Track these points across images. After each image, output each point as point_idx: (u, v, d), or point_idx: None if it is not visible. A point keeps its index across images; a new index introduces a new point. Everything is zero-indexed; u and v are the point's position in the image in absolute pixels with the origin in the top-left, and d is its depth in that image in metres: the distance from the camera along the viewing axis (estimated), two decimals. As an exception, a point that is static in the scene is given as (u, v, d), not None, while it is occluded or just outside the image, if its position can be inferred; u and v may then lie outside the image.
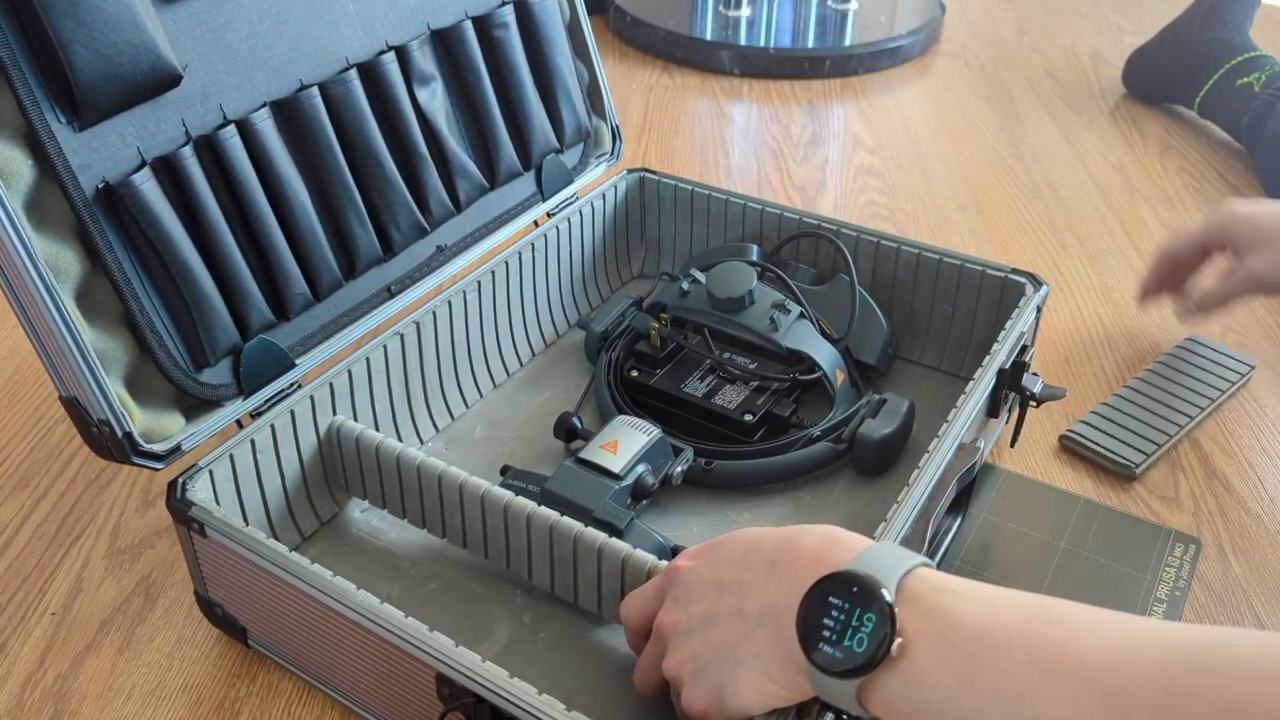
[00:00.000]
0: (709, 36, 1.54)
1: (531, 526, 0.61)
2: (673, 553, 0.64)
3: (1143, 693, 0.38)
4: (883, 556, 0.45)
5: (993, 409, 0.73)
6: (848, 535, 0.48)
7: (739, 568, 0.50)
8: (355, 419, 0.72)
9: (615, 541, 0.59)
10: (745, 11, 1.62)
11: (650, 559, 0.58)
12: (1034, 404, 0.75)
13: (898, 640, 0.43)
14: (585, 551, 0.60)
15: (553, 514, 0.61)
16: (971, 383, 0.69)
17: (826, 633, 0.44)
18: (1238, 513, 0.76)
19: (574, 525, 0.60)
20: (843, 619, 0.43)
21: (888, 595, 0.43)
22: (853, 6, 1.65)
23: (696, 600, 0.51)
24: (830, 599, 0.44)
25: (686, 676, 0.50)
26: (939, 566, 0.69)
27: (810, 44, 1.54)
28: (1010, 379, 0.73)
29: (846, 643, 0.43)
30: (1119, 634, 0.40)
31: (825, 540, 0.48)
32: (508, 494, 0.62)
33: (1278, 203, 0.83)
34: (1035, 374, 0.75)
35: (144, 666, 0.65)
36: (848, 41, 1.55)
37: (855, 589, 0.44)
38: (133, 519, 0.75)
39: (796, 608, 0.45)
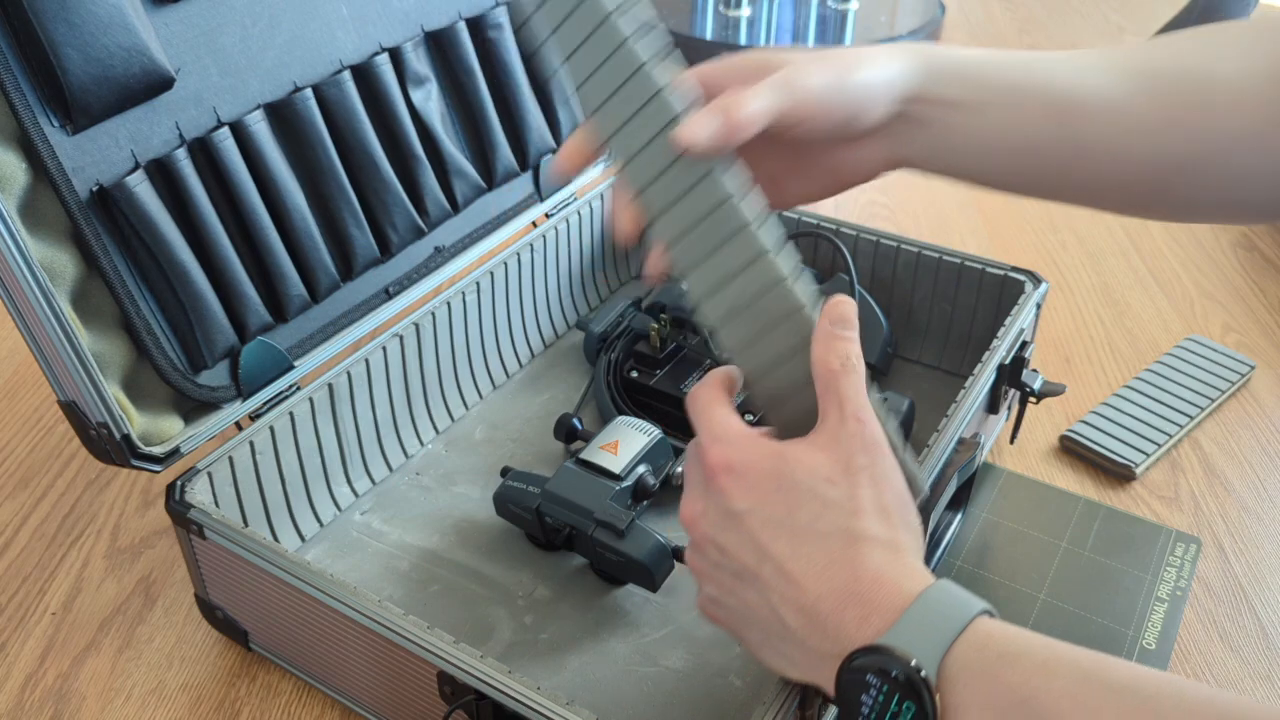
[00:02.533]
0: (709, 36, 1.54)
1: None
2: (674, 554, 0.64)
3: None
4: (931, 616, 0.41)
5: (993, 405, 0.73)
6: (908, 574, 0.44)
7: (787, 556, 0.45)
8: (355, 420, 0.72)
9: None
10: (745, 12, 1.62)
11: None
12: (1034, 400, 0.75)
13: None
14: None
15: None
16: (971, 378, 0.69)
17: (864, 709, 0.41)
18: (1238, 512, 0.76)
19: None
20: (881, 700, 0.41)
21: (929, 683, 0.40)
22: (853, 6, 1.65)
23: (730, 544, 0.47)
24: (869, 678, 0.41)
25: (706, 592, 0.49)
26: (939, 565, 0.69)
27: (810, 44, 1.54)
28: (1010, 375, 0.73)
29: None
30: (1182, 708, 0.37)
31: (877, 584, 0.43)
32: None
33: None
34: (1035, 370, 0.75)
35: (144, 666, 0.65)
36: (848, 41, 1.55)
37: (894, 673, 0.40)
38: (132, 519, 0.75)
39: (835, 659, 0.42)
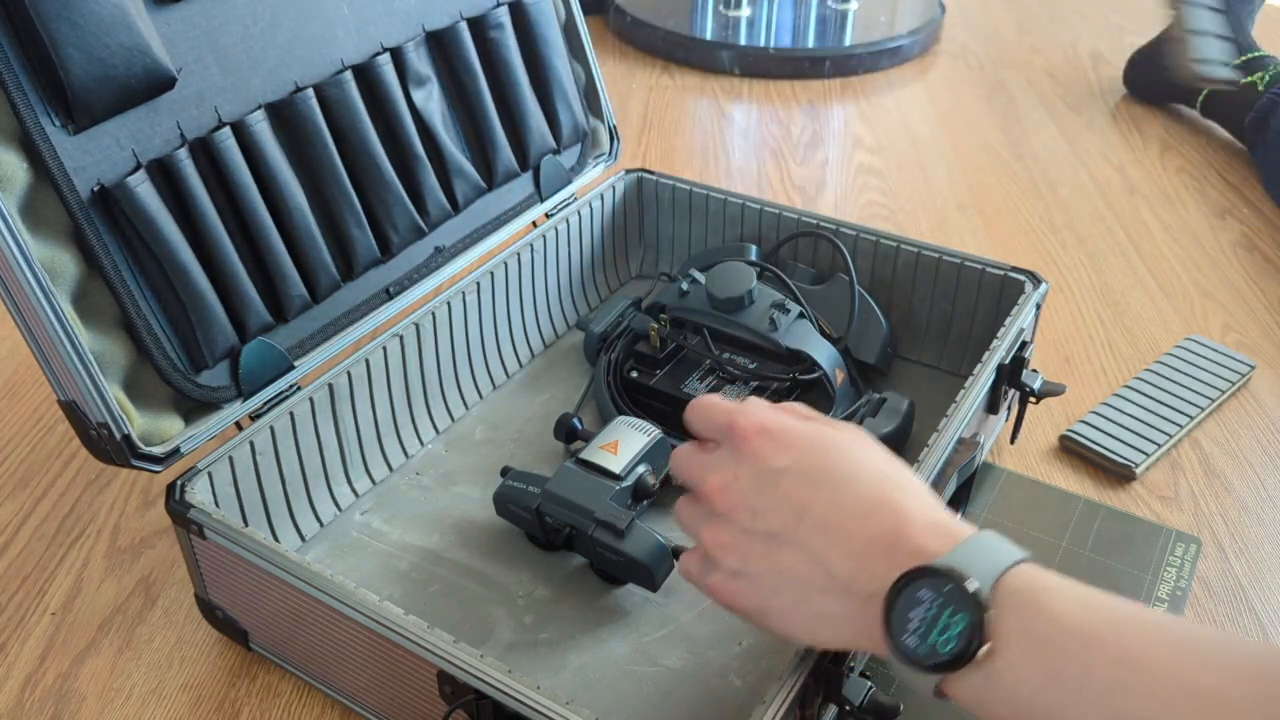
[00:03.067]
0: (709, 36, 1.54)
1: None
2: (674, 554, 0.64)
3: (1243, 701, 0.36)
4: (984, 549, 0.43)
5: (992, 404, 0.73)
6: (949, 521, 0.45)
7: (830, 506, 0.46)
8: (355, 420, 0.72)
9: None
10: (745, 11, 1.62)
11: None
12: (1034, 400, 0.75)
13: (986, 645, 0.41)
14: None
15: None
16: (971, 378, 0.69)
17: (913, 624, 0.42)
18: (1238, 512, 0.76)
19: None
20: (932, 614, 0.42)
21: (981, 596, 0.41)
22: (853, 6, 1.65)
23: (766, 506, 0.47)
24: (921, 593, 0.42)
25: (726, 567, 0.49)
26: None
27: (810, 44, 1.54)
28: (1010, 375, 0.73)
29: (933, 639, 0.42)
30: (1219, 646, 0.38)
31: (931, 528, 0.45)
32: None
33: None
34: (1035, 370, 0.75)
35: (144, 666, 0.65)
36: (848, 41, 1.55)
37: (949, 587, 0.42)
38: (132, 519, 0.75)
39: (884, 595, 0.43)
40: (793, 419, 0.50)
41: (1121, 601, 0.41)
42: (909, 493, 0.47)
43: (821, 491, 0.47)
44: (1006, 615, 0.41)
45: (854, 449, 0.48)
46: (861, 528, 0.45)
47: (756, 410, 0.51)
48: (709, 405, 0.53)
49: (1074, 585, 0.42)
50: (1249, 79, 1.24)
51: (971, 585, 0.41)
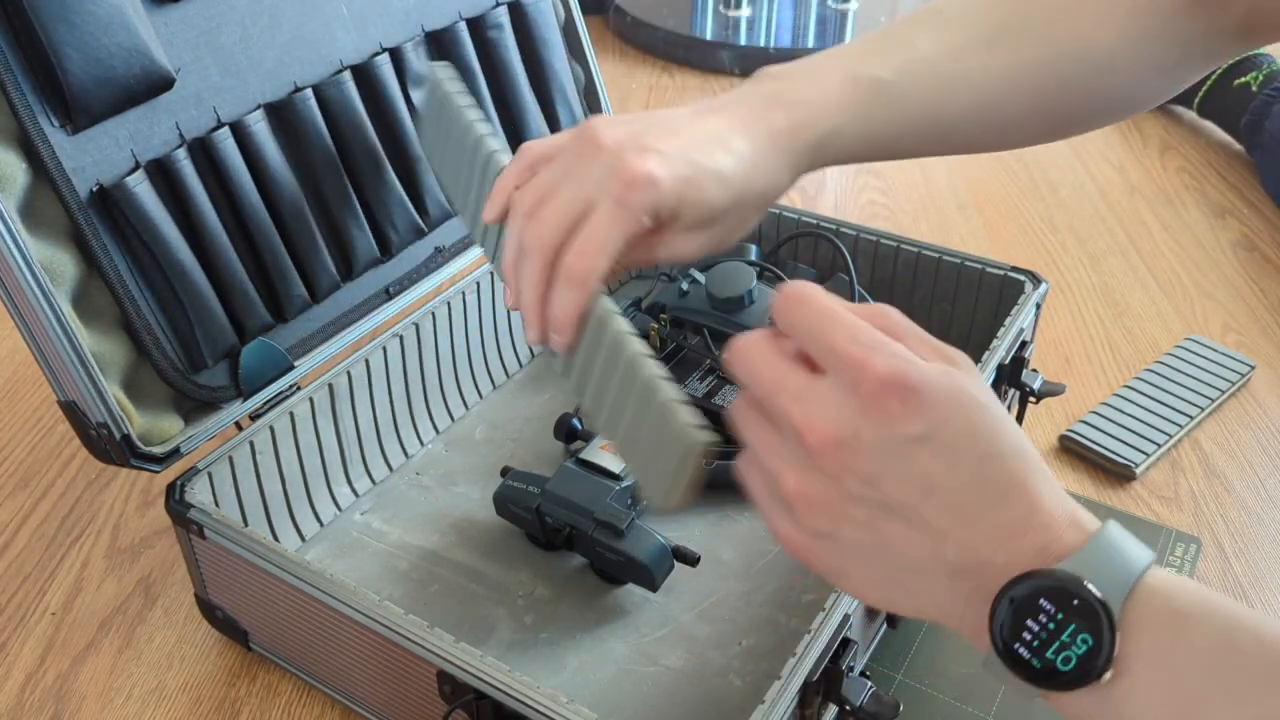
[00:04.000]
0: (709, 36, 1.54)
1: None
2: (674, 554, 0.64)
3: None
4: (1113, 555, 0.38)
5: (991, 407, 0.73)
6: (1076, 508, 0.40)
7: (966, 487, 0.40)
8: (355, 420, 0.72)
9: None
10: (745, 11, 1.62)
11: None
12: (1034, 400, 0.75)
13: (1110, 670, 0.37)
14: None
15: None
16: (969, 381, 0.69)
17: (1029, 635, 0.38)
18: (1238, 512, 0.76)
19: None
20: (1053, 629, 0.37)
21: (1113, 617, 0.37)
22: (853, 6, 1.65)
23: (888, 475, 0.40)
24: (1042, 602, 0.38)
25: (809, 527, 0.42)
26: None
27: (810, 44, 1.54)
28: (1010, 375, 0.73)
29: (1050, 654, 0.37)
30: None
31: (1058, 517, 0.39)
32: None
33: None
34: (1035, 370, 0.75)
35: (144, 666, 0.65)
36: (848, 40, 1.55)
37: (1075, 601, 0.37)
38: (132, 519, 0.75)
39: (999, 584, 0.39)
40: (932, 370, 0.41)
41: (1265, 631, 0.36)
42: (1038, 471, 0.41)
43: (961, 468, 0.40)
44: (1137, 638, 0.37)
45: (994, 410, 0.41)
46: (992, 512, 0.40)
47: (891, 352, 0.40)
48: (826, 314, 0.42)
49: (1210, 606, 0.37)
50: (1242, 80, 1.24)
51: (1101, 601, 0.37)
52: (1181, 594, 0.38)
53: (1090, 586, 0.37)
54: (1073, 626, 0.37)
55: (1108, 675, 0.37)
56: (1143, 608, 0.37)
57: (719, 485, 0.74)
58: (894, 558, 0.41)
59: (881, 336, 0.41)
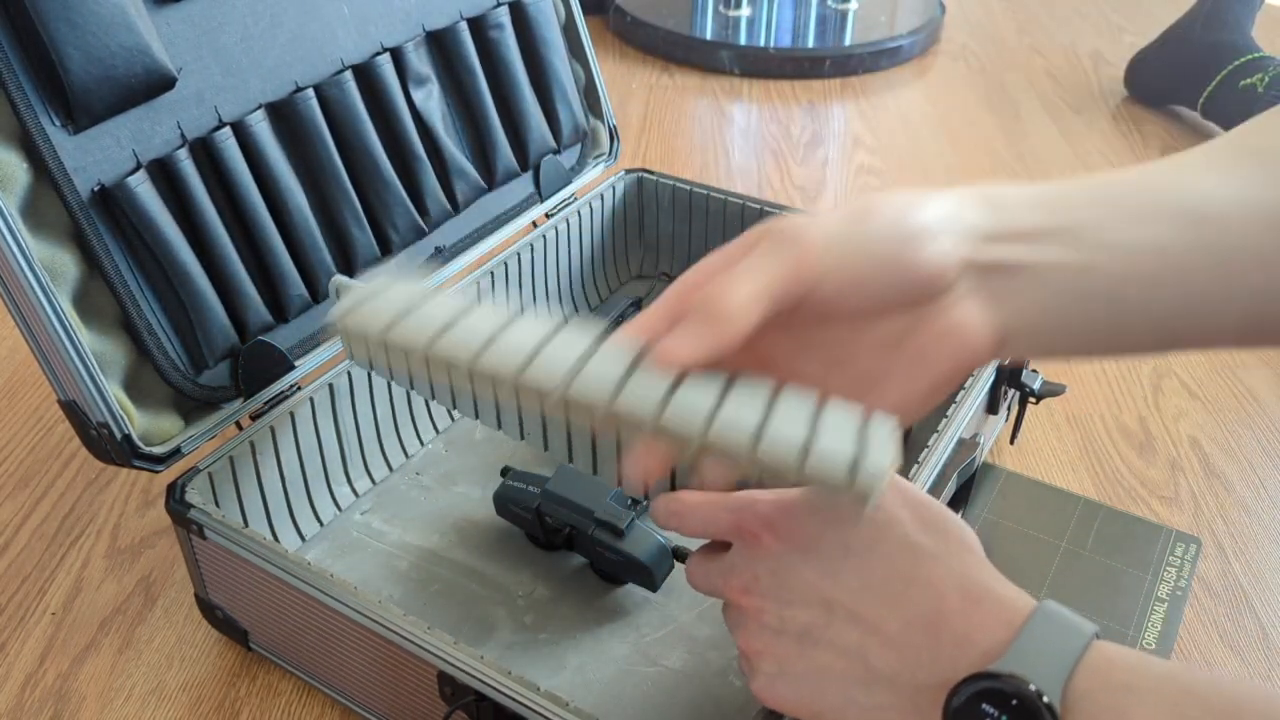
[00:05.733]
0: (709, 36, 1.54)
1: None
2: (674, 554, 0.64)
3: None
4: (1043, 642, 0.38)
5: (992, 405, 0.73)
6: (993, 597, 0.41)
7: (859, 598, 0.42)
8: (355, 420, 0.72)
9: None
10: (745, 11, 1.62)
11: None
12: (1034, 400, 0.75)
13: None
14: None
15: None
16: (971, 378, 0.69)
17: None
18: (1238, 512, 0.76)
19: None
20: None
21: (1054, 711, 0.37)
22: (853, 6, 1.65)
23: (792, 603, 0.43)
24: (984, 707, 0.38)
25: (765, 671, 0.45)
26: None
27: (810, 44, 1.54)
28: (1010, 375, 0.73)
29: None
30: None
31: (970, 605, 0.40)
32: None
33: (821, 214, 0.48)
34: (1035, 370, 0.75)
35: (144, 666, 0.65)
36: (848, 41, 1.55)
37: (1014, 701, 0.37)
38: (132, 519, 0.75)
39: (939, 688, 0.39)
40: (794, 501, 0.44)
41: (1211, 696, 0.36)
42: (939, 559, 0.42)
43: (845, 576, 0.42)
44: None
45: (881, 513, 0.43)
46: (897, 612, 0.41)
47: (758, 503, 0.45)
48: (703, 509, 0.46)
49: (1155, 677, 0.37)
50: (1248, 81, 1.24)
51: (1039, 697, 0.37)
52: (1124, 670, 0.37)
53: (1024, 684, 0.37)
54: None
55: None
56: (1083, 688, 0.37)
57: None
58: (837, 681, 0.42)
59: (749, 496, 0.45)
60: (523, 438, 0.50)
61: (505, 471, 0.71)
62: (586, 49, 0.89)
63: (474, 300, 0.46)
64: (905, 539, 0.42)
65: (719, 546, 0.48)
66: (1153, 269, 0.39)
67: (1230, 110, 1.27)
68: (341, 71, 0.70)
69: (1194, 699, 0.36)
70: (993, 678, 0.38)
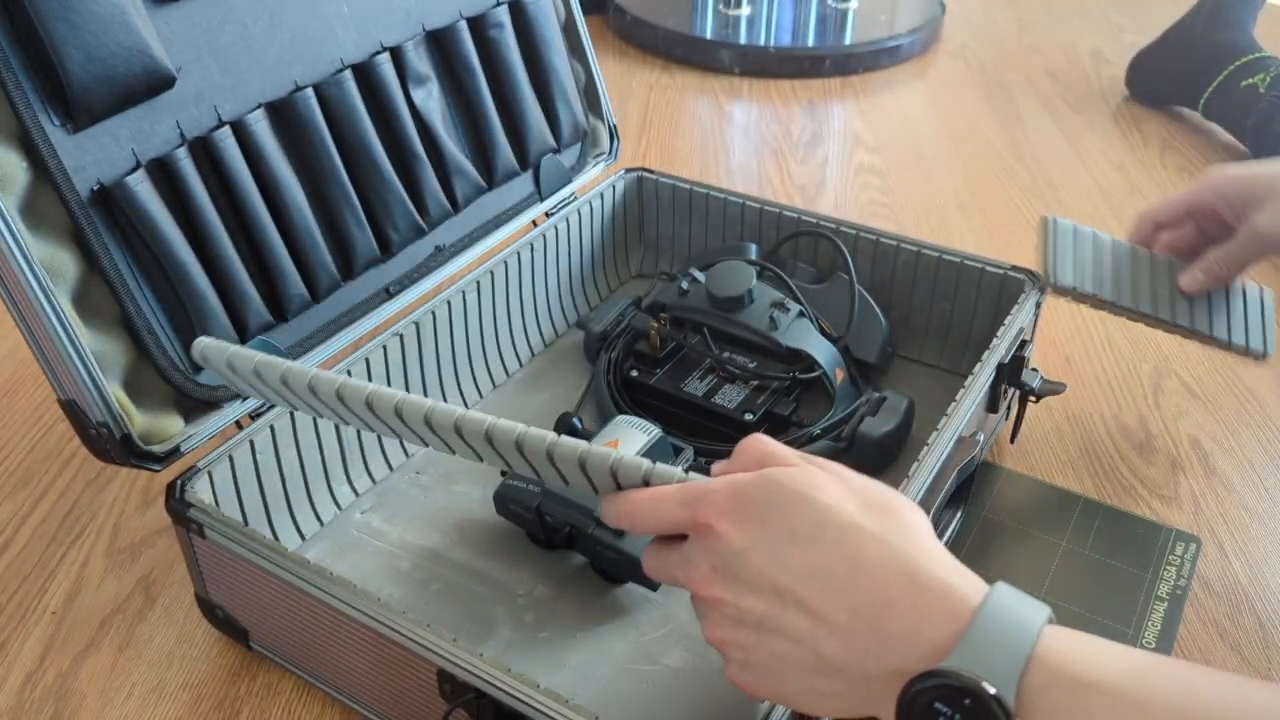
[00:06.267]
0: (709, 35, 1.54)
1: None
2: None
3: None
4: (995, 636, 0.38)
5: (992, 404, 0.73)
6: (939, 586, 0.40)
7: (806, 585, 0.42)
8: (354, 419, 0.72)
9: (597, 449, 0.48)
10: (745, 10, 1.62)
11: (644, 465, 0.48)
12: (1034, 399, 0.75)
13: None
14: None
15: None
16: (971, 376, 0.69)
17: None
18: (1238, 512, 0.76)
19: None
20: None
21: (1007, 710, 0.36)
22: (853, 5, 1.65)
23: (746, 591, 0.44)
24: (937, 706, 0.38)
25: (735, 660, 0.45)
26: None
27: (810, 43, 1.54)
28: (1010, 374, 0.73)
29: None
30: None
31: (916, 594, 0.40)
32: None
33: (1265, 163, 0.77)
34: (1035, 369, 0.75)
35: (144, 665, 0.65)
36: (848, 40, 1.55)
37: (968, 701, 0.37)
38: (132, 518, 0.75)
39: (890, 677, 0.39)
40: (749, 482, 0.45)
41: (1172, 690, 0.36)
42: (884, 541, 0.42)
43: (792, 562, 0.42)
44: (1039, 716, 0.37)
45: (815, 496, 0.43)
46: (842, 600, 0.41)
47: (709, 493, 0.45)
48: (651, 504, 0.47)
49: (1111, 669, 0.37)
50: (1250, 81, 1.24)
51: (992, 696, 0.36)
52: (1080, 662, 0.37)
53: (976, 683, 0.37)
54: None
55: None
56: (1039, 682, 0.37)
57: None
58: (793, 668, 0.43)
59: (701, 487, 0.45)
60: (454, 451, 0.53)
61: (505, 471, 0.71)
62: (586, 48, 0.89)
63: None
64: (850, 522, 0.42)
65: (675, 537, 0.48)
66: None
67: (1232, 110, 1.27)
68: (341, 71, 0.70)
69: (1150, 690, 0.36)
70: (944, 676, 0.38)
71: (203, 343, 0.54)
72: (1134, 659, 0.37)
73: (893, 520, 0.43)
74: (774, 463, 0.47)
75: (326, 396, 0.51)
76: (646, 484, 0.48)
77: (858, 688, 0.41)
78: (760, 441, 0.48)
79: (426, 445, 0.53)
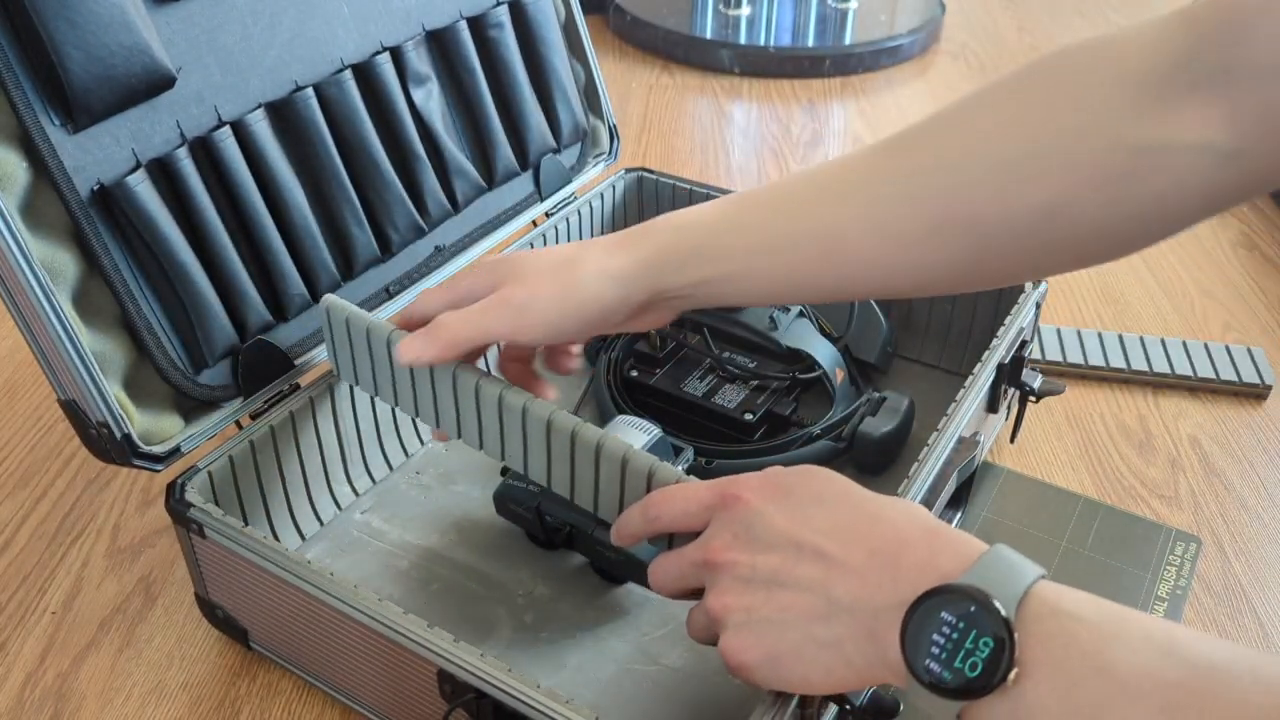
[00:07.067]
0: (709, 35, 1.54)
1: (530, 424, 0.57)
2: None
3: None
4: (1000, 569, 0.41)
5: (992, 404, 0.73)
6: (954, 534, 0.44)
7: (826, 536, 0.45)
8: (355, 419, 0.72)
9: (639, 454, 0.54)
10: (745, 10, 1.62)
11: (677, 472, 0.53)
12: (1033, 399, 0.75)
13: (1014, 670, 0.39)
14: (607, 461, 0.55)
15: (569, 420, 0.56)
16: (971, 377, 0.69)
17: (935, 649, 0.40)
18: (1238, 512, 0.76)
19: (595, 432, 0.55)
20: (956, 638, 0.40)
21: (1008, 619, 0.39)
22: (853, 5, 1.65)
23: (764, 550, 0.46)
24: (943, 614, 0.40)
25: (733, 623, 0.47)
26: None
27: (810, 43, 1.54)
28: (1010, 374, 0.73)
29: (958, 664, 0.40)
30: (1263, 685, 0.35)
31: (932, 536, 0.44)
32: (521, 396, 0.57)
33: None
34: (1035, 370, 0.75)
35: (144, 665, 0.65)
36: (848, 40, 1.55)
37: (972, 608, 0.40)
38: (132, 518, 0.75)
39: (898, 609, 0.41)
40: (779, 469, 0.50)
41: (1152, 628, 0.39)
42: (904, 510, 0.46)
43: (815, 519, 0.46)
44: (1034, 642, 0.39)
45: (840, 479, 0.49)
46: (861, 545, 0.44)
47: (739, 477, 0.50)
48: (682, 487, 0.52)
49: (1097, 608, 0.40)
50: None
51: (998, 606, 0.39)
52: (1068, 598, 0.40)
53: (984, 594, 0.40)
54: (974, 632, 0.39)
55: (1013, 675, 0.39)
56: (1034, 614, 0.40)
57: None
58: (797, 618, 0.45)
59: (730, 477, 0.50)
60: (481, 446, 0.60)
61: (505, 470, 0.71)
62: (586, 48, 0.89)
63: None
64: (870, 495, 0.47)
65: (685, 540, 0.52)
66: (785, 283, 0.54)
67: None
68: (341, 71, 0.70)
69: (1133, 627, 0.39)
70: (949, 591, 0.40)
71: (329, 299, 0.63)
72: (1116, 606, 0.40)
73: (904, 501, 0.48)
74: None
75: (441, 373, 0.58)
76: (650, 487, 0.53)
77: (862, 627, 0.43)
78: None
79: (487, 441, 0.60)
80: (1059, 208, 0.47)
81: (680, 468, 0.68)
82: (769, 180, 1.18)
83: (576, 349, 0.65)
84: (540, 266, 0.57)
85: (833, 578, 0.44)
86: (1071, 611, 0.39)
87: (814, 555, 0.45)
